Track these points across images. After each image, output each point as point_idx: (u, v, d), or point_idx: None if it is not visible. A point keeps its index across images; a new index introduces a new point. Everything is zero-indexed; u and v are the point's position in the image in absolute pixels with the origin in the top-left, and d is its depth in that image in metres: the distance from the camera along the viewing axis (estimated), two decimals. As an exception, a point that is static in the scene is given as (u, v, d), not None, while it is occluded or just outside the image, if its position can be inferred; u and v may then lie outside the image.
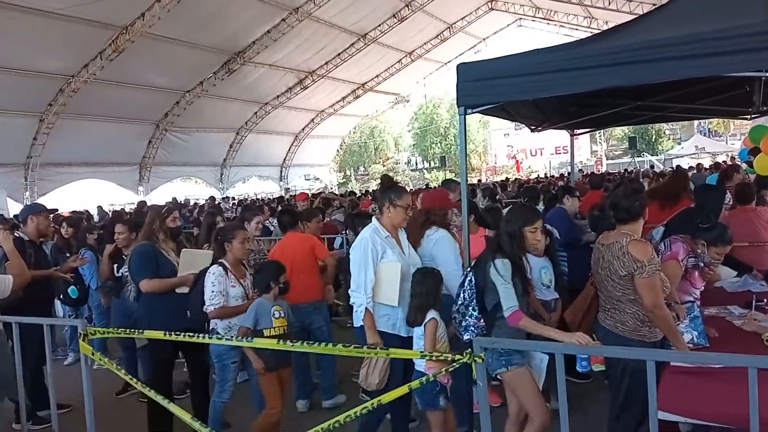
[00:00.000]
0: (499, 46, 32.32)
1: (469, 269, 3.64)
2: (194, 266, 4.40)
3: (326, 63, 26.34)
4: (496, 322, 3.39)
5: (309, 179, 36.88)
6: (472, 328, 3.47)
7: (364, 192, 22.48)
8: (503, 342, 2.76)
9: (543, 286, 4.01)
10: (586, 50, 3.60)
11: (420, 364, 3.50)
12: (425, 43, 28.86)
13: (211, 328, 4.12)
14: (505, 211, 7.52)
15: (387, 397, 2.82)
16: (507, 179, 24.02)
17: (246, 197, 26.95)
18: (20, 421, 4.74)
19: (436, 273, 3.70)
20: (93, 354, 3.23)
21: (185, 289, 4.33)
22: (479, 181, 27.76)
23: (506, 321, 3.24)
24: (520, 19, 29.93)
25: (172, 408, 3.20)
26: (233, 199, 24.63)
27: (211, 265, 4.17)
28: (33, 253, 5.30)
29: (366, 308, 3.62)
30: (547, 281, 4.01)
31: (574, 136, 7.70)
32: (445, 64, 32.76)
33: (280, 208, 13.37)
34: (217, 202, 19.05)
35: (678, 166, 16.15)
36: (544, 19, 28.06)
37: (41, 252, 5.64)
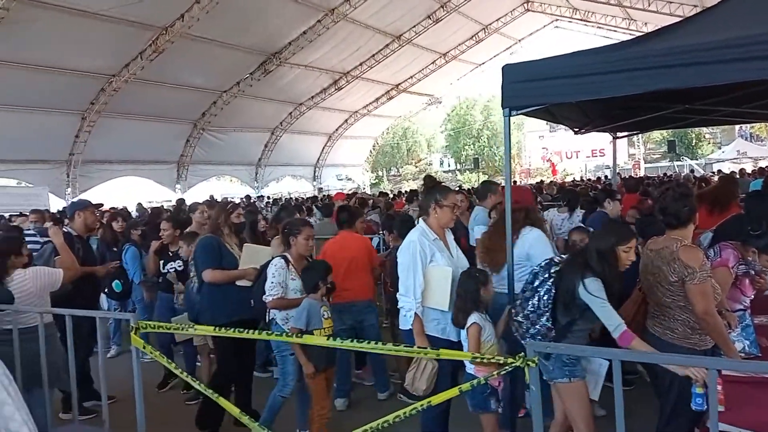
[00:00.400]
0: (535, 48, 32.02)
1: (546, 275, 3.42)
2: (255, 261, 4.59)
3: (361, 64, 26.42)
4: (567, 336, 3.28)
5: (341, 179, 37.10)
6: (540, 338, 3.32)
7: (397, 193, 22.49)
8: (558, 347, 2.72)
9: None
10: (635, 52, 3.54)
11: (470, 368, 3.48)
12: (460, 45, 28.71)
13: (270, 318, 4.22)
14: (547, 214, 7.47)
15: (437, 399, 2.82)
16: (542, 182, 23.74)
17: (280, 196, 27.23)
18: (69, 411, 4.92)
19: (479, 276, 3.64)
20: (144, 347, 3.30)
21: (246, 282, 4.49)
22: (514, 182, 27.48)
23: (579, 339, 3.18)
24: (557, 20, 29.53)
25: (221, 402, 3.26)
26: (267, 198, 24.90)
27: (275, 257, 4.28)
28: (81, 247, 5.45)
29: (415, 313, 3.56)
30: None
31: (616, 139, 7.58)
32: (480, 65, 32.57)
33: (314, 207, 13.55)
34: (252, 201, 19.29)
35: (724, 171, 15.73)
36: (581, 20, 27.64)
37: (88, 246, 5.80)
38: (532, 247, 4.05)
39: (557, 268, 3.36)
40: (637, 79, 3.39)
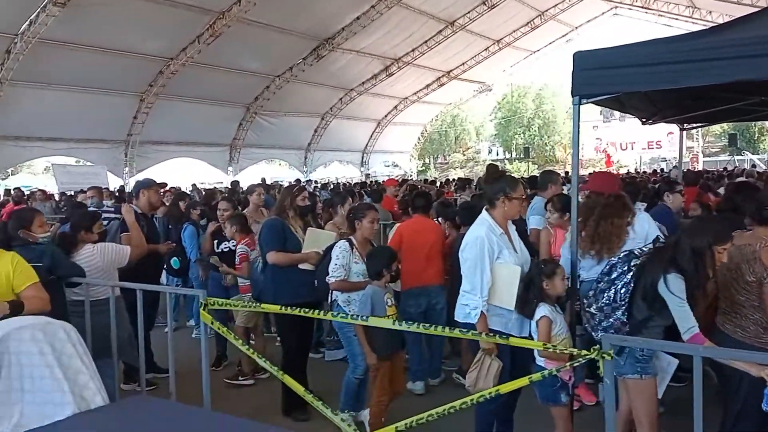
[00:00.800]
0: (592, 36, 31.14)
1: (625, 268, 3.32)
2: (317, 245, 4.66)
3: (413, 50, 26.24)
4: (642, 332, 3.18)
5: (388, 166, 37.11)
6: (612, 332, 3.23)
7: (444, 181, 22.36)
8: (636, 341, 2.66)
9: None
10: (712, 42, 3.41)
11: (540, 360, 3.44)
12: (514, 31, 28.16)
13: (332, 300, 4.28)
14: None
15: (506, 387, 2.81)
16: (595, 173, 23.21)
17: (327, 181, 27.47)
18: (129, 382, 5.13)
19: (545, 268, 3.55)
20: (212, 323, 3.40)
21: (308, 266, 4.55)
22: (566, 173, 26.88)
23: (654, 336, 3.10)
24: (616, 7, 28.60)
25: (286, 380, 3.32)
26: (316, 182, 25.15)
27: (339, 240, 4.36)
28: (145, 224, 5.63)
29: (481, 312, 3.46)
30: None
31: (683, 130, 7.34)
32: (534, 53, 31.92)
33: (363, 192, 13.62)
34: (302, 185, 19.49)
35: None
36: (642, 7, 26.69)
37: (152, 224, 5.99)
38: (651, 225, 4.07)
39: (638, 261, 3.26)
40: (714, 69, 3.27)
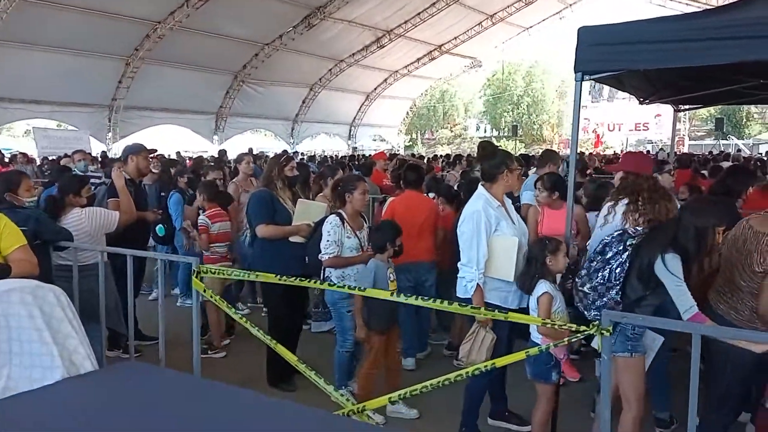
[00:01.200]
0: (587, 13, 30.87)
1: (620, 247, 3.31)
2: (308, 217, 4.54)
3: (405, 22, 25.89)
4: (634, 311, 3.15)
5: (375, 140, 36.87)
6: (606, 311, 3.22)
7: (432, 156, 22.30)
8: (636, 318, 2.64)
9: None
10: (721, 20, 3.35)
11: (536, 336, 3.44)
12: (508, 6, 27.80)
13: (325, 276, 4.21)
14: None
15: (501, 361, 2.80)
16: (582, 153, 23.23)
17: (314, 153, 27.25)
18: (113, 348, 5.08)
19: (549, 244, 3.54)
20: (204, 291, 3.34)
21: (299, 239, 4.45)
22: (582, 153, 26.77)
23: (646, 314, 3.06)
24: (610, -15, 28.44)
25: (279, 350, 3.29)
26: (302, 154, 24.94)
27: (330, 214, 4.23)
28: (133, 190, 5.52)
29: (477, 284, 3.48)
30: None
31: (678, 111, 7.33)
32: (527, 29, 31.63)
33: (351, 166, 13.50)
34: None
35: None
36: (636, -13, 26.55)
37: (141, 190, 5.88)
38: None
39: (633, 241, 3.25)
40: (725, 48, 3.22)
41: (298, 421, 1.93)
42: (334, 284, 3.87)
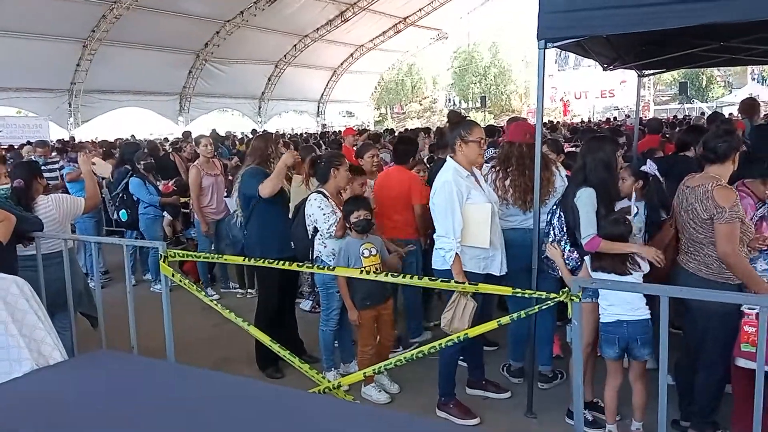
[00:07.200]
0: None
1: (554, 205, 3.71)
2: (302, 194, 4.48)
3: (369, -6, 25.66)
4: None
5: (345, 116, 36.58)
6: (567, 262, 3.52)
7: (403, 131, 22.16)
8: (605, 283, 2.69)
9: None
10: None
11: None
12: (471, -24, 27.80)
13: (315, 256, 4.15)
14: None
15: (474, 331, 2.82)
16: (551, 122, 23.39)
17: (283, 132, 26.94)
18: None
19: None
20: (173, 275, 3.29)
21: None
22: (551, 122, 26.89)
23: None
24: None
25: (252, 331, 3.26)
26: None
27: (312, 193, 4.15)
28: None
29: (456, 253, 3.45)
30: (635, 229, 3.70)
31: (641, 77, 7.39)
32: (491, -1, 31.64)
33: (321, 143, 13.36)
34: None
35: (735, 115, 15.45)
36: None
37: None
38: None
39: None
40: (681, 12, 3.22)
41: (272, 400, 1.93)
42: (313, 266, 3.80)
